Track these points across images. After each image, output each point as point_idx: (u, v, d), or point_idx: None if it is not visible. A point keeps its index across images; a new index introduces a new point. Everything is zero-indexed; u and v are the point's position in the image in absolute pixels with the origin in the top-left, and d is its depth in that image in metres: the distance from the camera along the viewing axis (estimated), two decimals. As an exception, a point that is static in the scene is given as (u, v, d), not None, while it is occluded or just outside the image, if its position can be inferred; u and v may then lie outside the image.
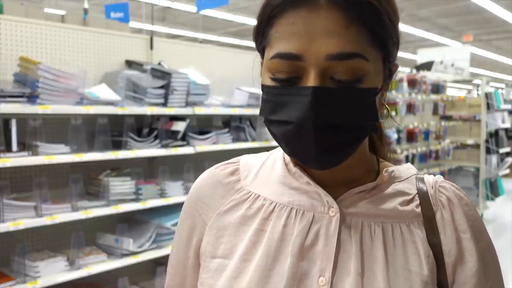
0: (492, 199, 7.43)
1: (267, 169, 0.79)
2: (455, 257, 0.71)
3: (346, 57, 0.62)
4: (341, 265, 0.68)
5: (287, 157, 0.78)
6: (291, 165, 0.77)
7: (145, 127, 3.33)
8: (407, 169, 0.79)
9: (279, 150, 0.81)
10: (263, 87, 0.70)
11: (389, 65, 0.71)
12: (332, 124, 0.64)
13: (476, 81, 8.83)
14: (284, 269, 0.68)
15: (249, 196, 0.76)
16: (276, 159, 0.80)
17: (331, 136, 0.64)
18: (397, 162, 0.83)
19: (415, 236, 0.70)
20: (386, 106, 0.73)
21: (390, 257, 0.68)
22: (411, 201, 0.73)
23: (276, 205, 0.73)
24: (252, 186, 0.77)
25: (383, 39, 0.66)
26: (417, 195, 0.74)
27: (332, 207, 0.71)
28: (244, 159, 0.83)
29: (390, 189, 0.74)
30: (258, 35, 0.71)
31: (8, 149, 2.59)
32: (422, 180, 0.77)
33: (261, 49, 0.72)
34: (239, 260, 0.71)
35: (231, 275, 0.70)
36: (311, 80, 0.63)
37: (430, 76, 7.09)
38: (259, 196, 0.76)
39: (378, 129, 0.80)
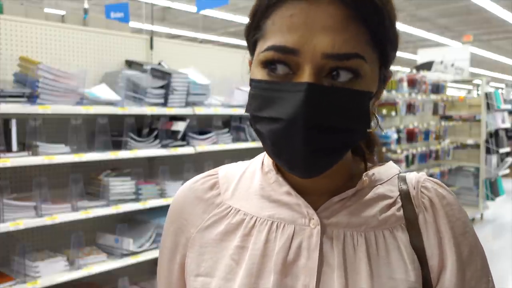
0: (492, 199, 7.43)
1: (246, 181, 0.76)
2: (438, 261, 0.69)
3: (344, 57, 0.60)
4: (325, 280, 0.66)
5: (266, 167, 0.75)
6: (270, 174, 0.74)
7: (145, 127, 3.33)
8: (388, 169, 0.76)
9: (258, 160, 0.79)
10: (252, 81, 0.66)
11: (384, 71, 0.68)
12: (324, 125, 0.60)
13: (476, 81, 8.83)
14: (267, 287, 0.66)
15: (230, 211, 0.74)
16: (255, 170, 0.77)
17: (321, 138, 0.60)
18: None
19: (399, 241, 0.68)
20: (376, 115, 0.71)
21: (375, 268, 0.66)
22: (393, 204, 0.71)
23: (257, 220, 0.71)
24: (232, 200, 0.75)
25: (382, 41, 0.63)
26: (399, 197, 0.72)
27: (313, 218, 0.68)
28: (223, 170, 0.80)
29: (371, 194, 0.71)
30: (251, 27, 0.68)
31: (8, 149, 2.59)
32: (404, 180, 0.74)
33: (252, 42, 0.68)
34: (223, 279, 0.69)
35: None
36: (306, 76, 0.59)
37: (430, 76, 7.08)
38: (239, 210, 0.73)
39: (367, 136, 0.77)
